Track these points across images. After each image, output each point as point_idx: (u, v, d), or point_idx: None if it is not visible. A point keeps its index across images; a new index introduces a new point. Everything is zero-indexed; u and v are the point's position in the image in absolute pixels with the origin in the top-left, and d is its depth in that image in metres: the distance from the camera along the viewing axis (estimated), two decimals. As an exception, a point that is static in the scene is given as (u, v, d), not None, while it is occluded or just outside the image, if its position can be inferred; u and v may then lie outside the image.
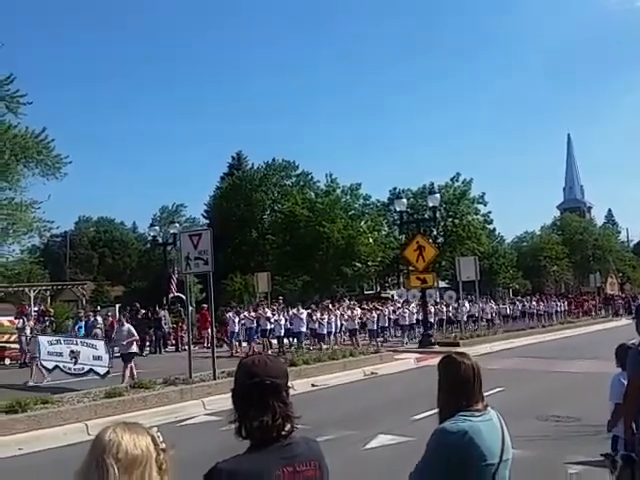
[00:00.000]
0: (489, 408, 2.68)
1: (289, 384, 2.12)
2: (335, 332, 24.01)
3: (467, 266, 26.96)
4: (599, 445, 5.55)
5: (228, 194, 59.09)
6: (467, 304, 30.56)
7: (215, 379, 13.02)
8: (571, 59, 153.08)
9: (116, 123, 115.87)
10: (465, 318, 29.71)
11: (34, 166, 28.65)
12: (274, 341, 23.00)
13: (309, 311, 24.02)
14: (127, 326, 15.56)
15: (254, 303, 28.32)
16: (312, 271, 45.14)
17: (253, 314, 23.35)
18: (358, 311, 25.49)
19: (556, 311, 37.63)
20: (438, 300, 32.38)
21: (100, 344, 14.99)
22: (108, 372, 14.22)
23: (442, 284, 52.00)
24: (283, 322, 22.54)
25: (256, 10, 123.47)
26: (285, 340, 23.23)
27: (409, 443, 7.79)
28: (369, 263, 46.68)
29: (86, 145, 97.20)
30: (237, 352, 21.86)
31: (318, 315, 23.30)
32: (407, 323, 26.32)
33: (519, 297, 44.00)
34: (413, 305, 28.21)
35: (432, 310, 27.52)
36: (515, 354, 20.45)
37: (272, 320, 22.56)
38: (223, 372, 13.12)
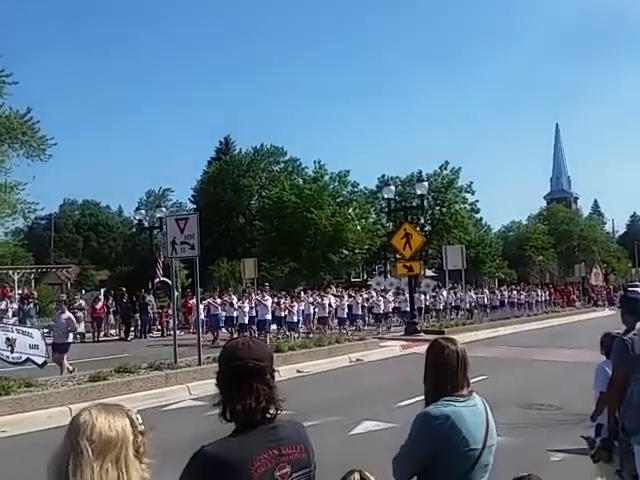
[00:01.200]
0: (474, 394, 2.69)
1: (274, 368, 2.11)
2: (305, 320, 23.33)
3: (453, 255, 27.09)
4: (581, 433, 5.60)
5: (216, 179, 58.78)
6: (445, 293, 30.45)
7: (200, 364, 13.01)
8: (559, 46, 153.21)
9: (102, 106, 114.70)
10: (442, 307, 29.66)
11: (19, 147, 28.32)
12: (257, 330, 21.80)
13: (276, 299, 23.08)
14: (67, 314, 14.61)
15: (220, 290, 26.96)
16: (299, 258, 45.11)
17: (218, 300, 22.27)
18: (331, 299, 24.74)
19: (537, 301, 37.49)
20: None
21: (36, 333, 13.74)
22: (45, 362, 12.95)
23: (429, 272, 52.28)
24: (247, 309, 20.98)
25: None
26: (255, 328, 21.14)
27: (394, 429, 7.83)
28: (356, 250, 46.75)
29: (71, 127, 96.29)
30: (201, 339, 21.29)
31: (287, 302, 22.47)
32: (381, 311, 25.58)
33: (503, 287, 43.95)
34: (390, 293, 27.78)
35: (408, 298, 26.24)
36: (499, 342, 20.62)
37: (236, 307, 21.29)
38: (208, 357, 13.11)
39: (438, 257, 39.97)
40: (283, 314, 22.09)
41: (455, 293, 30.84)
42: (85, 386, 11.01)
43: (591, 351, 5.58)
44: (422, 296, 28.92)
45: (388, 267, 50.11)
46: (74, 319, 15.13)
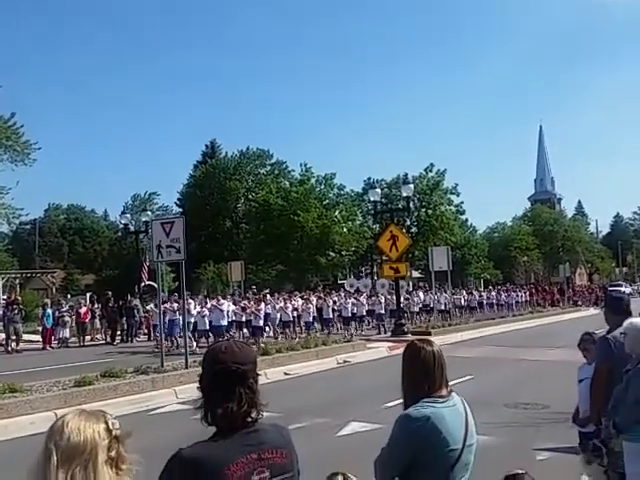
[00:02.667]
0: (453, 394, 2.71)
1: (258, 371, 2.10)
2: (272, 324, 22.00)
3: (439, 256, 27.18)
4: (567, 432, 5.65)
5: (202, 182, 58.63)
6: (421, 294, 29.84)
7: (187, 368, 12.95)
8: (542, 50, 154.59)
9: (88, 109, 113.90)
10: (418, 309, 29.07)
11: (2, 152, 28.14)
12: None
13: (243, 303, 21.55)
14: None
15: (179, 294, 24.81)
16: (286, 260, 45.12)
17: (175, 305, 20.47)
18: (299, 302, 23.50)
19: (517, 302, 37.09)
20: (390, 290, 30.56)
21: None
22: None
23: (415, 274, 52.51)
24: (207, 314, 19.59)
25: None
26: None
27: (381, 430, 7.83)
28: (343, 253, 46.86)
29: (57, 131, 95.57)
30: (158, 348, 19.15)
31: (253, 306, 20.96)
32: (350, 314, 24.24)
33: (481, 288, 43.77)
34: (364, 296, 26.72)
35: (382, 300, 25.97)
36: (485, 342, 20.72)
37: (193, 312, 19.59)
38: (195, 361, 13.06)
39: (424, 258, 40.10)
40: (245, 318, 20.80)
41: (431, 294, 29.63)
42: (70, 391, 10.91)
43: (576, 350, 5.62)
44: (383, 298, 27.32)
45: (375, 269, 50.23)
46: None
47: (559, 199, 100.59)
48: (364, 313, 25.45)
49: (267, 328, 21.74)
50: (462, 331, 23.34)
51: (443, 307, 29.13)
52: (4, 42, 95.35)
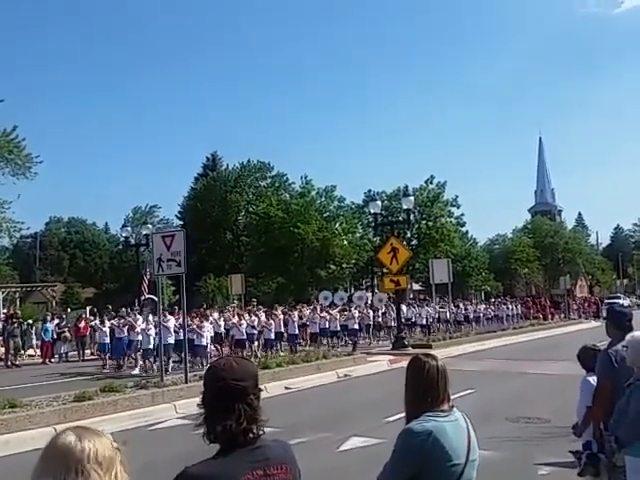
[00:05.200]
0: (455, 409, 2.71)
1: (261, 386, 2.11)
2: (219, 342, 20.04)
3: (440, 268, 27.18)
4: (569, 446, 5.62)
5: (202, 195, 58.79)
6: (404, 307, 27.94)
7: (187, 382, 12.91)
8: (542, 60, 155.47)
9: (88, 122, 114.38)
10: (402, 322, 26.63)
11: (4, 165, 28.26)
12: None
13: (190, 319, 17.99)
14: None
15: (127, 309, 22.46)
16: (287, 273, 45.13)
17: (122, 322, 19.21)
18: (262, 317, 21.15)
19: (507, 315, 36.12)
20: (368, 303, 29.45)
21: None
22: None
23: (416, 286, 52.48)
24: (153, 333, 17.52)
25: (224, 11, 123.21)
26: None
27: (382, 445, 7.80)
28: (343, 265, 46.85)
29: (57, 144, 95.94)
30: (106, 368, 18.96)
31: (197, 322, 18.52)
32: (317, 330, 22.72)
33: (488, 300, 43.08)
34: (336, 310, 25.12)
35: (356, 315, 24.61)
36: (486, 356, 20.67)
37: (138, 330, 18.22)
38: (195, 375, 13.03)
39: (425, 271, 40.07)
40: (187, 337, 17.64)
41: (413, 308, 28.64)
42: (70, 406, 10.87)
43: (578, 363, 5.60)
44: (371, 312, 26.48)
45: (375, 281, 50.19)
46: None
47: (559, 211, 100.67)
48: (338, 328, 23.71)
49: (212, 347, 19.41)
50: (463, 344, 23.30)
51: (424, 321, 27.90)
52: (4, 54, 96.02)
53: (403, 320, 27.11)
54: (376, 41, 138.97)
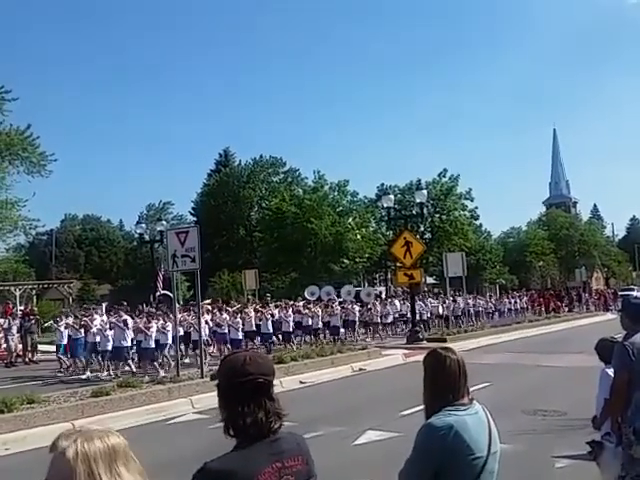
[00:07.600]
0: (474, 402, 2.70)
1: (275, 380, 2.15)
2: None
3: (454, 262, 27.05)
4: (586, 439, 5.57)
5: (215, 191, 58.98)
6: (397, 302, 27.92)
7: (203, 377, 12.98)
8: (558, 52, 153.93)
9: (104, 121, 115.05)
10: (391, 319, 26.69)
11: (19, 163, 28.47)
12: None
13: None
14: None
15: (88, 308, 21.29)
16: (300, 268, 45.13)
17: (77, 321, 17.77)
18: (225, 315, 19.67)
19: (509, 309, 35.41)
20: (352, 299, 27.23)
21: None
22: None
23: (430, 280, 52.30)
24: (109, 333, 16.40)
25: (242, 8, 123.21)
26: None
27: (397, 439, 7.81)
28: (357, 260, 46.76)
29: (73, 142, 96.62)
30: (64, 369, 17.52)
31: (161, 323, 17.13)
32: (290, 329, 21.10)
33: (465, 295, 41.99)
34: (318, 307, 23.71)
35: (337, 311, 23.35)
36: (502, 349, 20.58)
37: (94, 330, 16.78)
38: (211, 370, 13.09)
39: (439, 264, 39.91)
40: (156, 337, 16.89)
41: (407, 303, 26.75)
42: (87, 401, 10.97)
43: (594, 356, 5.56)
44: (356, 307, 24.93)
45: (389, 275, 50.10)
46: None
47: (574, 202, 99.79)
48: (319, 325, 22.59)
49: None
50: (477, 337, 23.20)
51: (419, 317, 25.88)
52: (21, 52, 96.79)
53: (397, 315, 27.28)
54: (392, 37, 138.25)
